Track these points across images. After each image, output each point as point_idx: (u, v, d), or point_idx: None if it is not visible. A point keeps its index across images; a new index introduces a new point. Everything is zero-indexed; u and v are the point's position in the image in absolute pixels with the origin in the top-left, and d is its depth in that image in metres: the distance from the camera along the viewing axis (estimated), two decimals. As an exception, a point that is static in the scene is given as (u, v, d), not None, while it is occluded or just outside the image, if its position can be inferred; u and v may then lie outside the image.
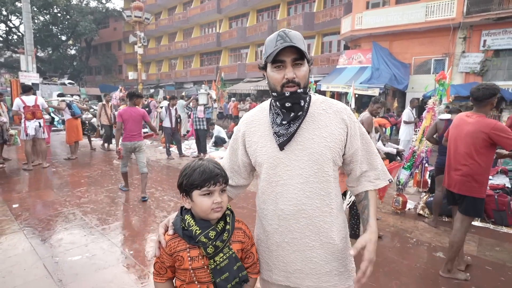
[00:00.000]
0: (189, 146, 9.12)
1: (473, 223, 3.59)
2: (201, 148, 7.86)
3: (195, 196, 1.07)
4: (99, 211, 4.14)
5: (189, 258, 1.06)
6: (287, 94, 1.07)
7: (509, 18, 12.63)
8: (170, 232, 1.11)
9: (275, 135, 1.13)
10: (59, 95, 8.06)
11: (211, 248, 1.04)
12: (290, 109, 1.10)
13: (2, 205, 4.27)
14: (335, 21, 17.95)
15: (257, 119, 1.22)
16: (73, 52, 37.09)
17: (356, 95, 9.15)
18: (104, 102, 8.65)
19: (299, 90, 1.08)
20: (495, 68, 13.60)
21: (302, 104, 1.10)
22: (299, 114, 1.11)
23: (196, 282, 1.08)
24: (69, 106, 7.31)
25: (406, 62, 14.97)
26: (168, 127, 7.76)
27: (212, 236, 1.05)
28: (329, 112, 1.14)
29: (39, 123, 6.18)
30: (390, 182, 1.22)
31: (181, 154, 8.12)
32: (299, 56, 1.05)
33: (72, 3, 29.57)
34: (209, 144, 8.97)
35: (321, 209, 1.11)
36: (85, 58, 35.77)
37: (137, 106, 4.85)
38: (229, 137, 10.77)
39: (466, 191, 2.58)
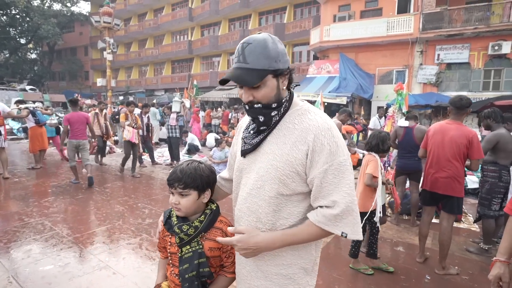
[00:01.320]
0: (162, 154, 9.02)
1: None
2: (174, 156, 7.83)
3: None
4: (71, 221, 4.03)
5: (169, 243, 1.27)
6: (246, 108, 1.07)
7: (458, 35, 13.96)
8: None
9: (243, 141, 1.16)
10: (17, 102, 7.60)
11: (177, 238, 1.21)
12: (254, 121, 1.09)
13: (-40, 217, 4.02)
14: (304, 32, 18.70)
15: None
16: (33, 56, 35.09)
17: (325, 104, 9.62)
18: (97, 110, 7.85)
19: (256, 106, 1.03)
20: (448, 79, 14.89)
21: (262, 119, 1.04)
22: (261, 128, 1.08)
23: (171, 264, 1.29)
24: (32, 113, 6.97)
25: (371, 73, 15.93)
26: (140, 135, 7.65)
27: (185, 229, 1.21)
28: (296, 128, 1.04)
29: (0, 130, 5.86)
30: (344, 236, 1.01)
31: (153, 162, 8.03)
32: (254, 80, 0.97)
33: (33, 5, 28.07)
34: (183, 152, 8.93)
35: (256, 225, 1.08)
36: (48, 63, 33.97)
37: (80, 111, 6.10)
38: (203, 145, 10.80)
39: (451, 192, 2.86)
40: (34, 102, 13.94)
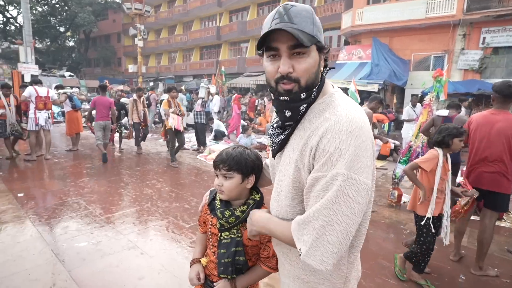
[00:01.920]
0: (189, 139, 9.20)
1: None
2: (201, 141, 7.94)
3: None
4: (103, 201, 4.24)
5: (210, 223, 1.28)
6: (282, 93, 0.88)
7: (509, 16, 12.67)
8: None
9: (270, 139, 1.04)
10: (57, 87, 8.03)
11: (219, 224, 1.21)
12: (282, 114, 0.93)
13: (7, 194, 4.37)
14: (335, 16, 17.93)
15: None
16: (71, 44, 36.84)
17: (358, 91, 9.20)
18: (135, 97, 7.46)
19: (295, 90, 0.85)
20: (493, 65, 13.68)
21: (289, 114, 0.90)
22: (286, 124, 0.93)
23: (211, 244, 1.30)
24: (70, 98, 7.36)
25: (406, 59, 15.02)
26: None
27: (226, 215, 1.19)
28: (310, 128, 0.87)
29: (48, 114, 6.29)
30: (299, 253, 0.84)
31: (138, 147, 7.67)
32: (299, 42, 0.79)
33: (70, -6, 29.28)
34: (209, 138, 9.04)
35: None
36: (84, 50, 35.56)
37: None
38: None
39: (497, 188, 2.63)
40: (71, 87, 14.75)
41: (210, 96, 11.19)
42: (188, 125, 11.46)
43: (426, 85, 10.09)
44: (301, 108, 0.89)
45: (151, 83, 26.91)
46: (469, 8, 13.26)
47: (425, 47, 14.57)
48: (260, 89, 19.18)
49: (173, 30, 30.25)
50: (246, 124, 10.51)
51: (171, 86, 6.76)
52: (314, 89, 0.88)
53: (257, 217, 1.04)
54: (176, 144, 6.44)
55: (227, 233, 1.21)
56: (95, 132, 6.52)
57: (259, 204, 1.24)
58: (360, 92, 14.73)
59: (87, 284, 2.44)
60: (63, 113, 12.91)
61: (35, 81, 6.36)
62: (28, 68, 13.71)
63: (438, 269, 2.86)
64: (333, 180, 0.78)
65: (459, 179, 3.96)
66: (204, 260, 1.32)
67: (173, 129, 6.15)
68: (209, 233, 1.30)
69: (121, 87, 23.93)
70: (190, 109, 11.62)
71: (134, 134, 7.59)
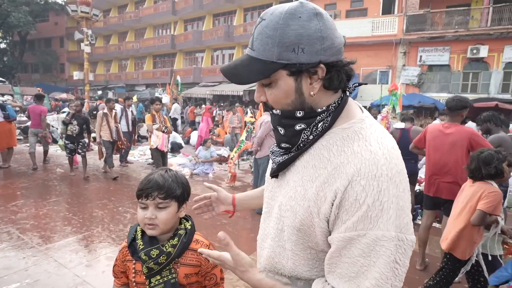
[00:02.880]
0: (143, 152, 8.60)
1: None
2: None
3: (138, 207, 1.03)
4: (42, 228, 3.64)
5: (133, 271, 1.05)
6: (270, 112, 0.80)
7: (439, 38, 14.29)
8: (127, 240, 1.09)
9: (271, 156, 0.84)
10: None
11: (145, 268, 1.00)
12: (276, 131, 0.79)
13: None
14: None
15: None
16: (3, 46, 33.02)
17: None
18: (105, 110, 6.29)
19: (275, 111, 0.75)
20: (429, 81, 15.25)
21: (283, 132, 0.75)
22: (282, 145, 0.78)
23: None
24: (2, 107, 6.39)
25: (356, 72, 16.05)
26: (125, 131, 7.17)
27: (153, 255, 0.99)
28: (331, 161, 0.68)
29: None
30: None
31: (124, 161, 7.40)
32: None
33: (2, -9, 26.34)
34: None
35: (274, 276, 0.82)
36: (19, 53, 32.05)
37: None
38: (186, 143, 10.43)
39: (454, 196, 2.69)
40: (3, 95, 13.02)
41: (164, 107, 10.68)
42: (142, 137, 10.78)
43: (373, 98, 10.79)
44: (298, 128, 0.72)
45: (99, 92, 25.12)
46: (408, 29, 14.70)
47: (372, 62, 15.75)
48: (217, 99, 18.96)
49: (124, 36, 28.76)
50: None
51: (155, 98, 6.05)
52: (321, 109, 0.71)
53: (248, 280, 0.80)
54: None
55: (158, 277, 1.02)
56: (29, 139, 6.57)
57: (191, 232, 1.09)
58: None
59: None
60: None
61: None
62: None
63: (407, 280, 2.89)
64: (377, 245, 0.60)
65: (418, 187, 4.16)
66: None
67: (156, 149, 5.38)
68: (134, 283, 1.06)
69: (64, 95, 21.95)
70: (143, 120, 10.94)
71: (104, 153, 6.22)
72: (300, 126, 0.72)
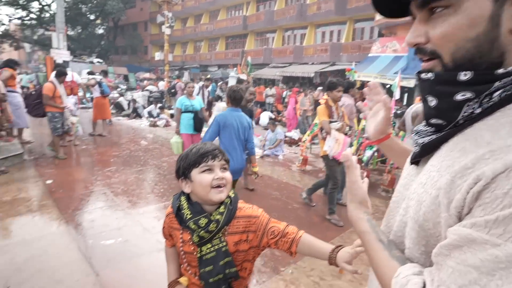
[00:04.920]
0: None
1: None
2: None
3: (194, 175, 1.00)
4: (130, 193, 4.05)
5: (181, 240, 1.04)
6: (418, 77, 0.59)
7: None
8: (171, 206, 1.09)
9: (414, 137, 0.64)
10: (89, 73, 8.01)
11: (196, 237, 0.98)
12: (424, 103, 0.59)
13: (37, 180, 4.28)
14: (369, 6, 16.90)
15: None
16: (101, 31, 37.58)
17: (396, 87, 8.40)
18: (202, 83, 6.65)
19: (425, 76, 0.56)
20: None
21: (434, 104, 0.55)
22: (432, 121, 0.58)
23: (186, 262, 1.07)
24: (99, 84, 7.30)
25: (446, 53, 13.99)
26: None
27: (202, 224, 0.98)
28: (489, 142, 0.48)
29: (75, 99, 6.21)
30: None
31: None
32: None
33: (100, -19, 29.69)
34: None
35: None
36: (113, 37, 36.17)
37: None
38: (256, 123, 10.53)
39: None
40: (100, 74, 14.94)
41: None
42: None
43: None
44: (460, 97, 0.51)
45: (177, 72, 26.99)
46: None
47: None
48: (286, 81, 18.66)
49: (199, 19, 30.03)
50: (273, 116, 10.13)
51: (333, 82, 3.56)
52: (500, 70, 0.48)
53: (350, 204, 0.69)
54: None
55: (209, 245, 1.00)
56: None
57: (236, 200, 1.07)
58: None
59: (114, 290, 2.21)
60: (92, 99, 13.15)
61: (60, 72, 6.05)
62: (60, 54, 13.92)
63: None
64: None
65: None
66: (184, 280, 1.10)
67: (332, 158, 3.42)
68: (182, 252, 1.06)
69: (147, 74, 24.18)
70: (216, 98, 11.38)
71: None
72: (464, 95, 0.51)
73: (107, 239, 2.87)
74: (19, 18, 29.35)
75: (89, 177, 4.58)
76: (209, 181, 0.98)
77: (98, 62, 18.46)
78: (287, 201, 4.10)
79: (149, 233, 3.05)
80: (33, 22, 30.10)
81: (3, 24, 29.22)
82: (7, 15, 29.02)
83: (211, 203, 1.01)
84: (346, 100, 3.83)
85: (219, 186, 0.99)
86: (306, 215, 3.75)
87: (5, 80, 6.01)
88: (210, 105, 7.74)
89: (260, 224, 1.03)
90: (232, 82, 7.62)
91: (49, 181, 4.24)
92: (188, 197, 1.05)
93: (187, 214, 1.00)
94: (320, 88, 11.53)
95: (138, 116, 10.98)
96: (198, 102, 4.95)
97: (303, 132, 8.52)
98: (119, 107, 11.73)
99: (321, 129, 3.59)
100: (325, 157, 3.53)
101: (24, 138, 6.36)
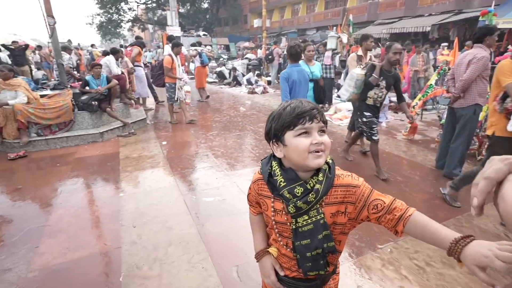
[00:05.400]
0: (311, 97, 8.62)
1: None
2: (327, 98, 7.25)
3: (288, 138, 0.88)
4: (228, 156, 4.32)
5: (272, 209, 0.95)
6: None
7: None
8: (260, 172, 0.99)
9: None
10: (192, 45, 8.72)
11: (292, 207, 0.87)
12: None
13: (155, 141, 5.02)
14: None
15: None
16: (205, 5, 40.17)
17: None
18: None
19: None
20: None
21: None
22: None
23: (277, 232, 0.98)
24: (199, 55, 7.87)
25: None
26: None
27: (298, 193, 0.87)
28: None
29: (182, 70, 6.89)
30: None
31: None
32: None
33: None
34: (335, 95, 8.23)
35: None
36: (216, 10, 38.27)
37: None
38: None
39: None
40: (205, 45, 16.14)
41: (341, 46, 9.99)
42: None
43: None
44: None
45: (274, 39, 26.85)
46: None
47: None
48: (394, 39, 16.24)
49: (298, -21, 28.52)
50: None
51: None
52: None
53: None
54: None
55: (306, 217, 0.89)
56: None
57: (333, 167, 0.91)
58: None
59: (212, 244, 2.42)
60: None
61: (176, 44, 6.73)
62: (173, 30, 15.62)
63: None
64: None
65: None
66: (274, 250, 1.03)
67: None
68: (273, 221, 0.96)
69: (246, 43, 24.91)
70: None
71: None
72: None
73: (208, 197, 3.16)
74: (144, 3, 33.91)
75: (194, 140, 5.09)
76: (306, 146, 0.84)
77: (204, 35, 19.94)
78: (388, 173, 3.67)
79: (244, 194, 3.20)
80: (153, 5, 34.27)
81: (134, 10, 34.41)
82: (136, 1, 33.82)
83: (307, 170, 0.89)
84: (479, 52, 2.99)
85: (317, 152, 0.85)
86: (411, 190, 3.27)
87: (134, 57, 7.10)
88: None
89: (361, 195, 0.88)
90: (331, 43, 7.02)
91: (164, 142, 4.91)
92: (280, 162, 0.94)
93: (280, 181, 0.89)
94: (445, 44, 9.61)
95: (238, 84, 11.52)
96: (318, 68, 4.37)
97: (413, 96, 7.38)
98: (221, 76, 12.54)
99: (504, 97, 2.47)
100: (499, 140, 2.56)
101: (147, 106, 7.50)
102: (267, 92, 10.00)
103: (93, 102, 5.00)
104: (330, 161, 0.92)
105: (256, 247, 1.09)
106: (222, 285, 1.99)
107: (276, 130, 0.89)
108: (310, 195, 0.85)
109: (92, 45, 13.36)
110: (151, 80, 7.40)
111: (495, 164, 0.50)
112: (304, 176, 0.89)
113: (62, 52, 6.25)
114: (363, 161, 4.17)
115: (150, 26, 39.34)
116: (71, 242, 2.48)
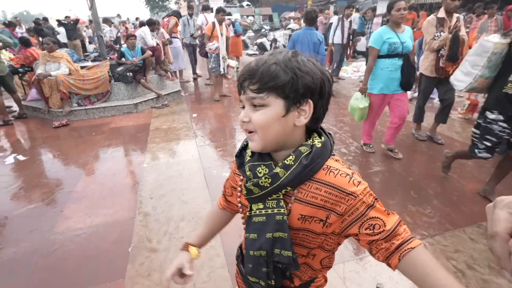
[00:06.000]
0: (357, 69, 7.93)
1: None
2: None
3: None
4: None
5: (239, 188, 0.77)
6: None
7: None
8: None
9: None
10: (217, 11, 8.38)
11: (245, 188, 0.69)
12: None
13: (186, 113, 4.99)
14: None
15: None
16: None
17: None
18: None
19: None
20: None
21: None
22: None
23: (242, 220, 0.80)
24: (232, 24, 7.54)
25: None
26: (338, 43, 6.75)
27: (260, 172, 0.66)
28: None
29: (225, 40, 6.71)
30: None
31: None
32: None
33: None
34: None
35: None
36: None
37: None
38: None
39: None
40: (247, 16, 15.66)
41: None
42: (358, 52, 9.91)
43: None
44: None
45: (321, 7, 25.12)
46: None
47: None
48: (463, 4, 14.05)
49: None
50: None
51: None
52: None
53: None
54: None
55: (260, 205, 0.69)
56: None
57: (320, 154, 0.64)
58: None
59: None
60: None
61: (204, 7, 6.62)
62: (216, 1, 15.37)
63: None
64: None
65: None
66: (195, 252, 0.87)
67: None
68: (240, 205, 0.78)
69: (292, 13, 23.70)
70: (362, 33, 9.88)
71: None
72: None
73: (228, 172, 3.03)
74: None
75: (226, 113, 4.96)
76: (240, 123, 0.67)
77: (247, 5, 19.32)
78: (434, 156, 3.19)
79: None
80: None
81: (178, -18, 34.52)
82: (182, -27, 33.82)
83: (270, 150, 0.68)
84: None
85: (247, 131, 0.66)
86: (460, 177, 2.80)
87: (171, 28, 7.06)
88: (349, 37, 6.71)
89: (355, 208, 0.63)
90: (381, 8, 6.21)
91: (194, 115, 4.87)
92: None
93: (249, 155, 0.71)
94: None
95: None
96: (409, 35, 2.91)
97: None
98: (262, 48, 12.12)
99: None
100: None
101: (184, 78, 7.51)
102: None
103: (128, 73, 5.08)
104: (319, 144, 0.65)
105: (188, 238, 0.92)
106: (228, 266, 1.88)
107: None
108: (263, 178, 0.64)
109: (137, 19, 13.69)
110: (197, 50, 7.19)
111: (497, 214, 0.38)
112: (280, 156, 0.68)
113: (102, 24, 6.40)
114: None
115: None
116: (92, 209, 2.55)
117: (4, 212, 2.56)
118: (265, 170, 0.65)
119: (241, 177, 0.76)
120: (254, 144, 0.66)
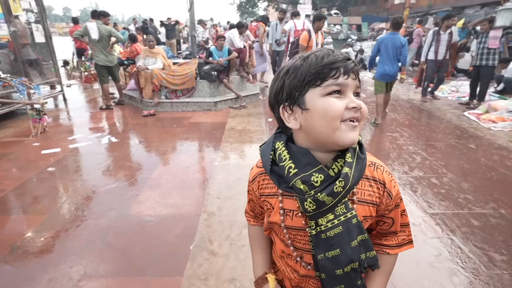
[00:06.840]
0: (456, 89, 6.90)
1: None
2: (478, 93, 5.62)
3: (312, 99, 0.57)
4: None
5: (281, 210, 0.65)
6: None
7: None
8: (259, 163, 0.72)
9: None
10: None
11: (310, 203, 0.57)
12: None
13: (261, 116, 4.97)
14: None
15: None
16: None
17: None
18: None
19: None
20: None
21: None
22: None
23: (289, 243, 0.68)
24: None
25: None
26: (431, 59, 6.00)
27: (316, 181, 0.56)
28: None
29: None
30: None
31: (426, 94, 6.23)
32: None
33: None
34: (490, 90, 6.32)
35: None
36: (353, -13, 35.58)
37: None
38: None
39: None
40: (334, 25, 15.24)
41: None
42: (458, 70, 8.68)
43: None
44: None
45: (418, 19, 23.04)
46: None
47: None
48: None
49: None
50: None
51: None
52: None
53: None
54: None
55: (330, 216, 0.59)
56: None
57: (362, 149, 0.62)
58: None
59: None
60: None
61: (294, 13, 6.54)
62: (304, 8, 15.30)
63: None
64: None
65: None
66: (271, 278, 0.77)
67: None
68: (283, 228, 0.66)
69: (383, 24, 22.32)
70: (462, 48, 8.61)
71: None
72: None
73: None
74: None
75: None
76: (339, 110, 0.55)
77: (335, 13, 18.86)
78: (486, 163, 2.47)
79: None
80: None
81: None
82: (272, -18, 34.94)
83: (330, 149, 0.60)
84: None
85: (352, 121, 0.56)
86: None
87: (260, 36, 7.21)
88: (451, 51, 5.85)
89: (387, 207, 0.66)
90: (504, 18, 5.24)
91: (270, 119, 4.81)
92: (287, 142, 0.64)
93: (289, 167, 0.59)
94: None
95: (364, 67, 10.38)
96: None
97: None
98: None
99: None
100: None
101: (266, 81, 7.58)
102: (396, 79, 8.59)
103: (213, 72, 5.31)
104: (360, 137, 0.62)
105: (255, 270, 0.83)
106: None
107: (292, 87, 0.59)
108: (338, 182, 0.56)
109: (228, 22, 14.50)
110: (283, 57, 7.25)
111: None
112: (323, 159, 0.60)
113: (197, 25, 6.86)
114: None
115: (284, 6, 40.22)
116: (163, 198, 2.64)
117: (93, 187, 2.84)
118: (321, 176, 0.57)
119: (280, 197, 0.66)
120: (356, 135, 0.57)
